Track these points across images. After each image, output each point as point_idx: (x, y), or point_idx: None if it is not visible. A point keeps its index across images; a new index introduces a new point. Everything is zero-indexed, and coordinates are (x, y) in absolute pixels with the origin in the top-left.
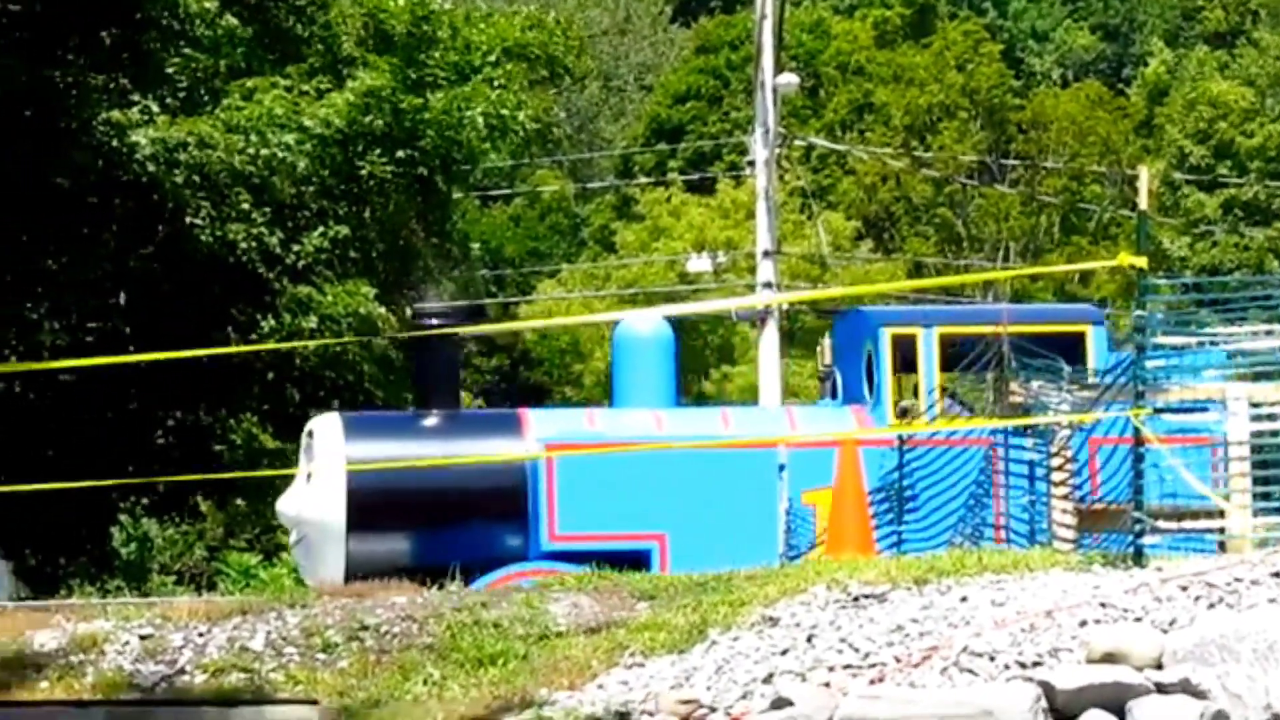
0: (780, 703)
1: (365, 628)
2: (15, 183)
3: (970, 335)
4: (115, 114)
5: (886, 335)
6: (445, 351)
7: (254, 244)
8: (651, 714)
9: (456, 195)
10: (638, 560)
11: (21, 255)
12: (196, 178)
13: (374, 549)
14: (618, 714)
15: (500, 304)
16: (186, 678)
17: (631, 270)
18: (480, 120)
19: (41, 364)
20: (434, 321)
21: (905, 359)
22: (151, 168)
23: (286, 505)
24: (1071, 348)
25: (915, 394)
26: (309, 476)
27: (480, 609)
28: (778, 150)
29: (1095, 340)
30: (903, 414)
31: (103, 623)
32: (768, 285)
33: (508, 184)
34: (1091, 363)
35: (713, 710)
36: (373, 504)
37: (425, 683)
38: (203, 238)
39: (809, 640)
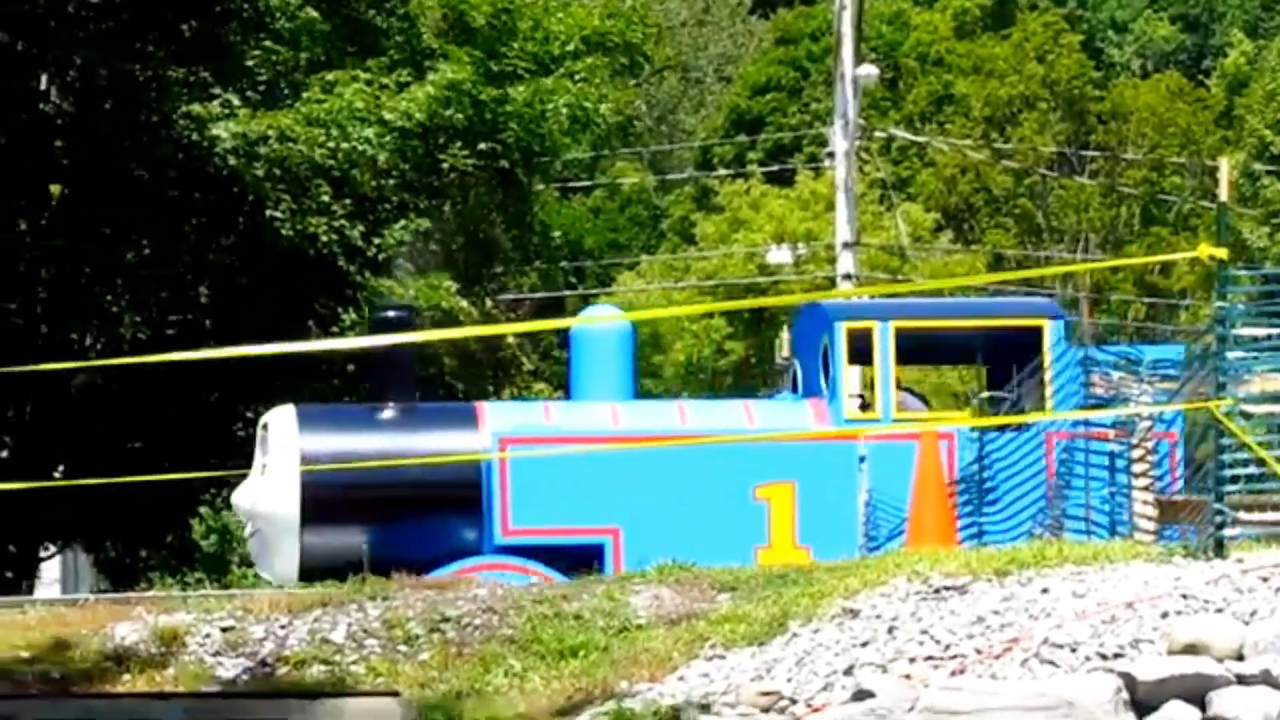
0: (861, 694)
1: (446, 619)
2: (97, 176)
3: (926, 329)
4: (196, 107)
5: (842, 329)
6: (404, 345)
7: (335, 237)
8: (732, 706)
9: (537, 187)
10: (591, 554)
11: (103, 248)
12: (277, 171)
13: (328, 542)
14: (699, 706)
15: (580, 296)
16: (268, 670)
17: (711, 262)
18: (563, 113)
19: (116, 359)
20: (390, 315)
21: (861, 352)
22: (232, 161)
23: (241, 498)
24: (1028, 342)
25: (870, 387)
26: (263, 469)
27: (561, 601)
28: (857, 142)
29: (1052, 334)
30: (864, 407)
31: (184, 615)
32: (847, 277)
33: (588, 176)
34: (1048, 357)
35: (793, 702)
36: (327, 497)
37: (506, 675)
38: (283, 231)
39: (890, 632)
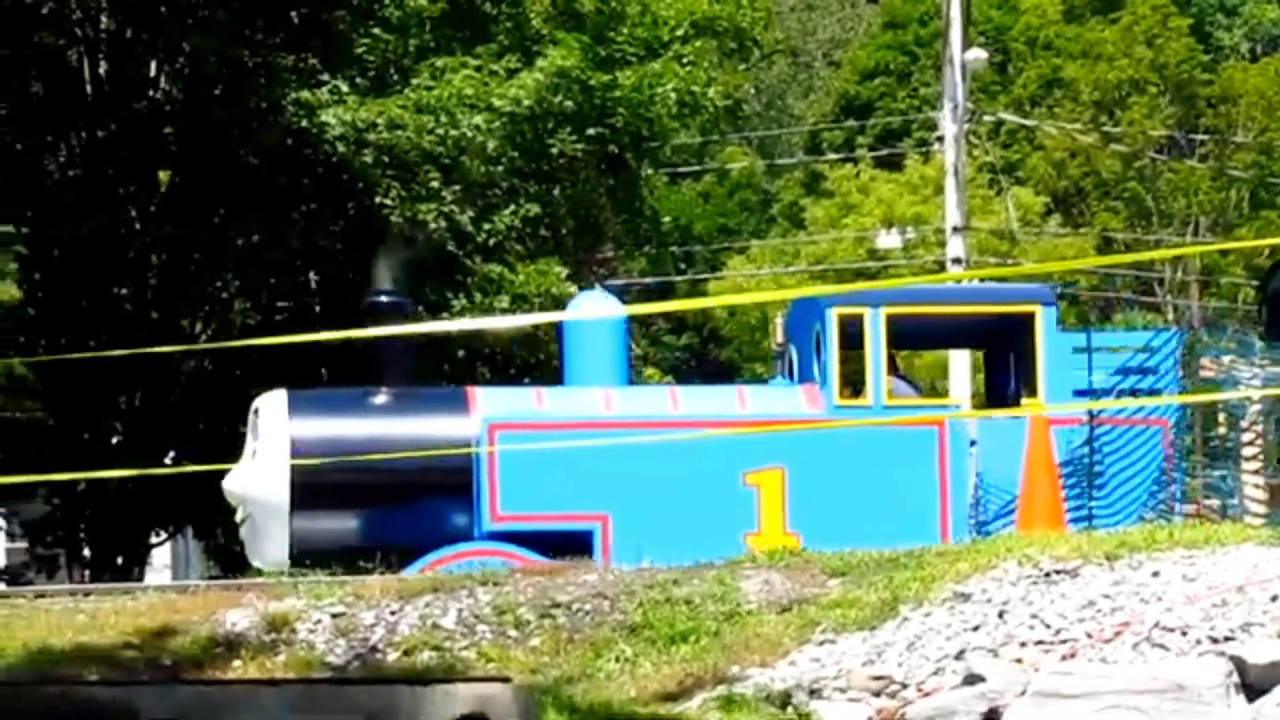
0: (972, 679)
1: (557, 605)
2: (206, 162)
3: (917, 315)
4: (305, 94)
5: (833, 315)
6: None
7: (444, 223)
8: (843, 690)
9: (646, 172)
10: (580, 541)
11: (212, 234)
12: (386, 158)
13: (319, 528)
14: (810, 690)
15: (690, 281)
16: (379, 656)
17: (820, 246)
18: (672, 97)
19: (202, 345)
20: (384, 302)
21: (853, 338)
22: (341, 148)
23: (232, 483)
24: (1021, 328)
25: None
26: (254, 454)
27: (672, 586)
28: (966, 126)
29: (1045, 321)
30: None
31: (294, 601)
32: (957, 261)
33: (697, 161)
34: (1040, 344)
35: (904, 686)
36: (317, 482)
37: (617, 660)
38: (393, 217)
39: (1000, 616)
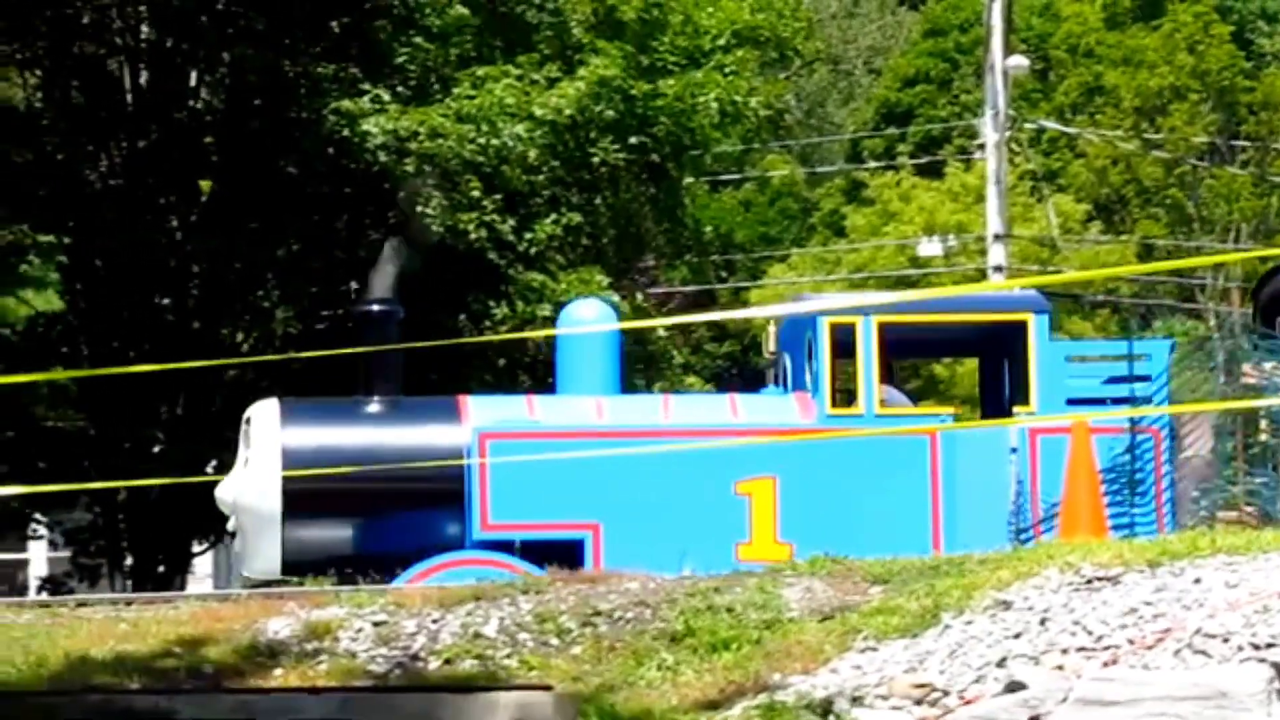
0: (1014, 686)
1: (598, 613)
2: (247, 172)
3: (910, 324)
4: (346, 103)
5: (824, 324)
6: (388, 335)
7: (485, 231)
8: (885, 698)
9: (687, 181)
10: (571, 550)
11: (253, 244)
12: (427, 167)
13: (311, 537)
14: (852, 698)
15: (731, 289)
16: (420, 664)
17: (862, 254)
18: (713, 106)
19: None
20: (375, 310)
21: (845, 347)
22: (383, 157)
23: (224, 492)
24: (1013, 336)
25: (853, 383)
26: (246, 463)
27: (714, 594)
28: (1007, 133)
29: (1037, 329)
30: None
31: (336, 610)
32: (998, 269)
33: (738, 169)
34: (1033, 352)
35: (946, 694)
36: (309, 491)
37: (659, 668)
38: (434, 226)
39: (1042, 623)
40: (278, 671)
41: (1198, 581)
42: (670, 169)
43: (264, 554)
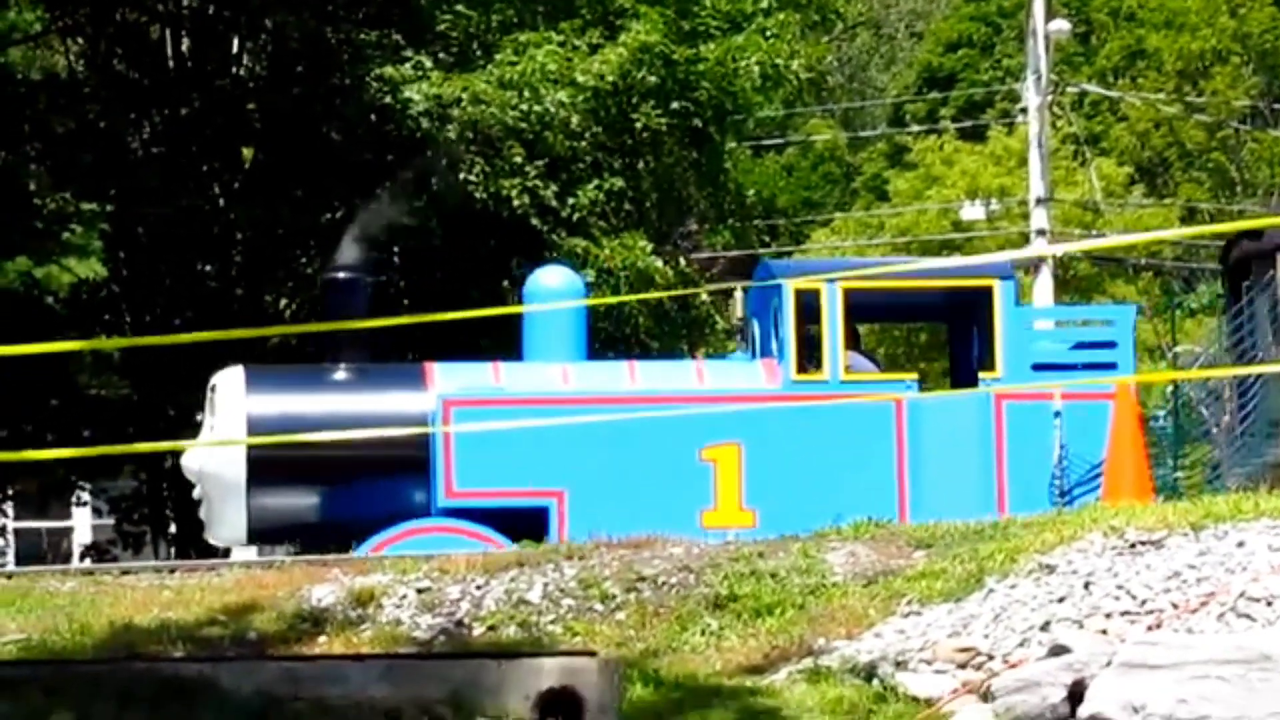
0: (1058, 650)
1: (642, 579)
2: (289, 139)
3: (875, 290)
4: (388, 70)
5: (789, 289)
6: (354, 303)
7: (528, 197)
8: (929, 662)
9: (730, 145)
10: (535, 517)
11: (295, 211)
12: (469, 133)
13: (276, 505)
14: (896, 662)
15: (774, 254)
16: (464, 630)
17: (904, 218)
18: (755, 70)
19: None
20: (341, 277)
21: (810, 312)
22: (425, 124)
23: (189, 460)
24: (979, 303)
25: (818, 348)
26: (211, 430)
27: (757, 559)
28: (1049, 97)
29: (1003, 295)
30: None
31: (380, 576)
32: (1041, 233)
33: (780, 134)
34: (999, 318)
35: (990, 658)
36: (273, 459)
37: (703, 633)
38: (476, 193)
39: (1086, 587)
40: (322, 639)
41: (1241, 545)
42: (712, 133)
43: (229, 521)
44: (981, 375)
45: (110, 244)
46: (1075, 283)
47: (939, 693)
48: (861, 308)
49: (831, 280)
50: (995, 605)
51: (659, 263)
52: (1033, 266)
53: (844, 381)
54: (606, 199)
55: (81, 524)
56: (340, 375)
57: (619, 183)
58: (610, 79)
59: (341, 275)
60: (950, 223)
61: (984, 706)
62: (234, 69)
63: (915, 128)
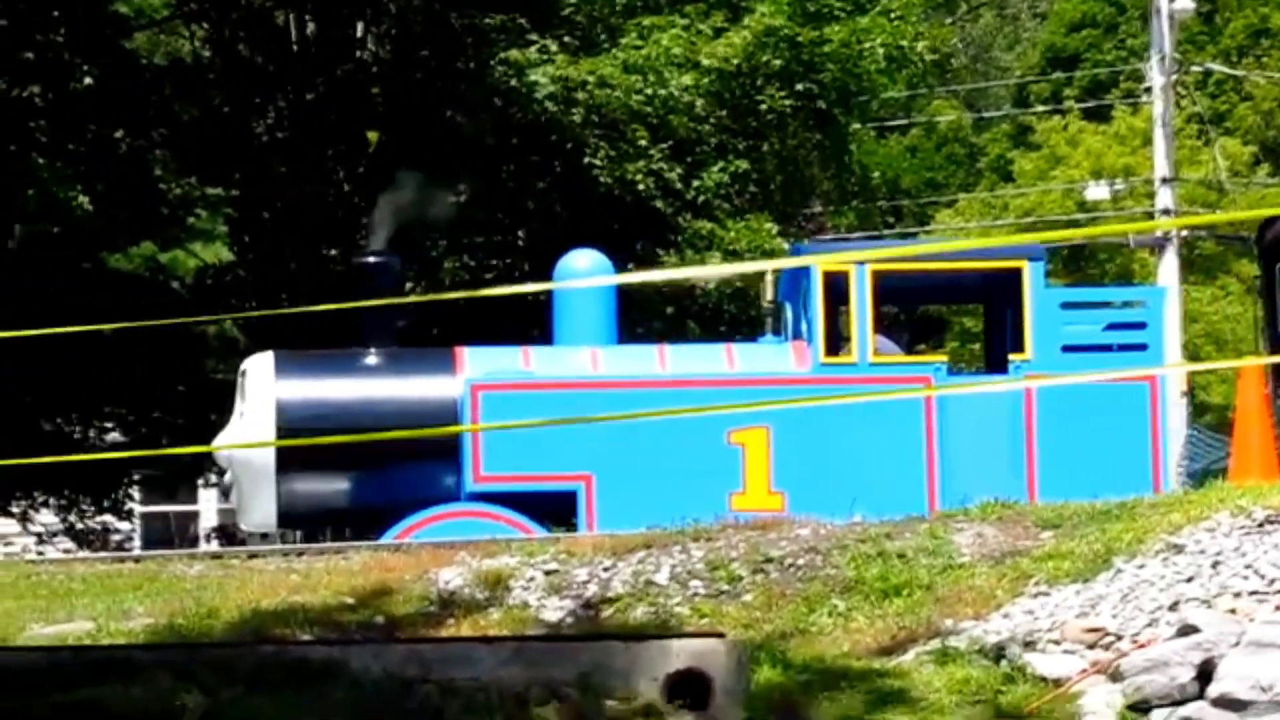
0: (1186, 630)
1: (769, 560)
2: (414, 123)
3: (904, 272)
4: (513, 53)
5: (819, 272)
6: (384, 288)
7: (653, 180)
8: (1057, 643)
9: (854, 127)
10: (564, 501)
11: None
12: (594, 117)
13: (305, 490)
14: (1024, 643)
15: (899, 235)
16: (592, 612)
17: (1029, 198)
18: (879, 52)
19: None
20: (370, 260)
21: (840, 295)
22: (550, 107)
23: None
24: (1008, 284)
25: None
26: (241, 415)
27: (884, 540)
28: (1174, 76)
29: (1033, 276)
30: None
31: (507, 559)
32: (1166, 212)
33: (904, 114)
34: (1028, 299)
35: (1118, 638)
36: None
37: (830, 615)
38: (601, 178)
39: (1214, 567)
40: (449, 621)
41: None
42: (837, 115)
43: (259, 507)
44: (1012, 357)
45: (235, 228)
46: (1200, 262)
47: (1067, 673)
48: (893, 290)
49: (860, 262)
50: (1123, 585)
51: (785, 244)
52: (1157, 246)
53: (872, 364)
54: (731, 181)
55: (208, 508)
56: (369, 360)
57: (744, 165)
58: (735, 62)
59: (371, 260)
60: (1075, 203)
61: (1112, 687)
62: (358, 53)
63: (1039, 108)
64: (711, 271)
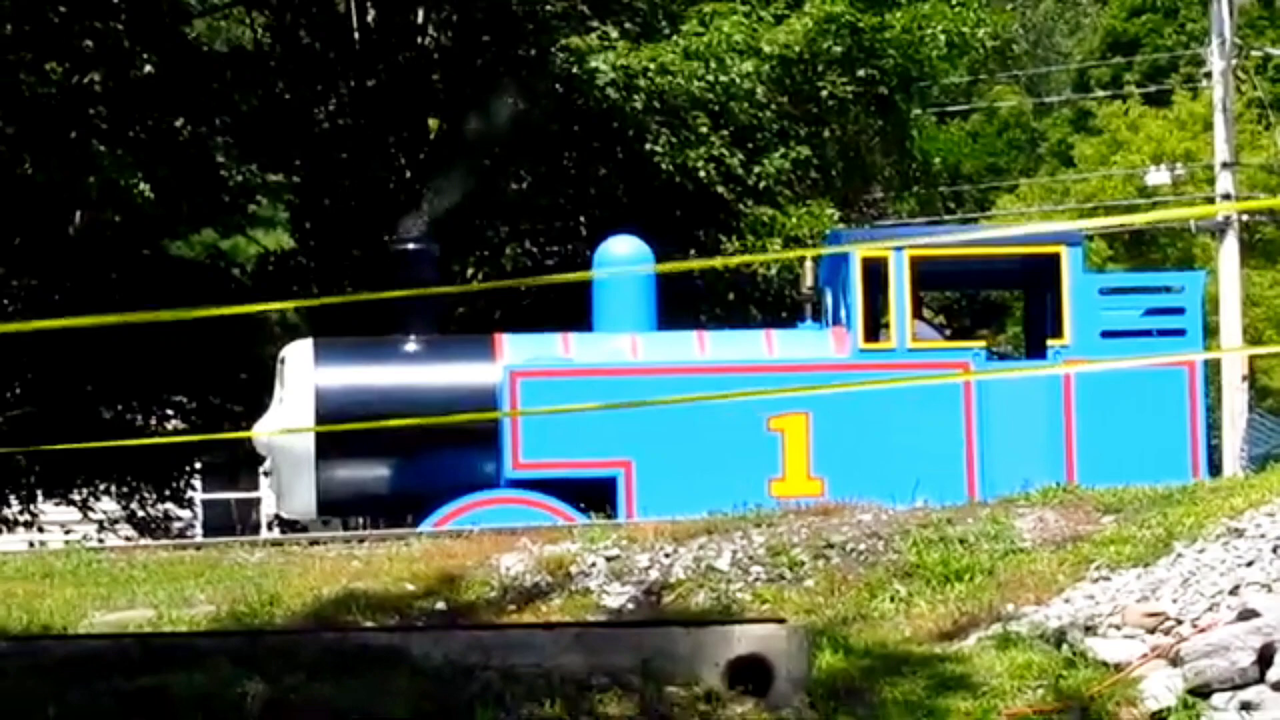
0: (1246, 614)
1: (831, 545)
2: (477, 111)
3: (943, 258)
4: (575, 40)
5: (857, 258)
6: (423, 275)
7: (714, 167)
8: (1118, 627)
9: (915, 113)
10: (603, 488)
11: (485, 180)
12: (656, 104)
13: (345, 476)
14: (1085, 628)
15: (960, 220)
16: (653, 598)
17: (1090, 184)
18: (941, 38)
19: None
20: (409, 248)
21: (878, 281)
22: (611, 94)
23: (259, 433)
24: (1047, 269)
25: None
26: (280, 403)
27: (945, 525)
28: (1234, 61)
29: (1071, 262)
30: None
31: (569, 545)
32: (1226, 197)
33: (966, 100)
34: (1066, 284)
35: (1179, 622)
36: (341, 431)
37: (892, 600)
38: (663, 165)
39: (1275, 551)
40: (511, 607)
41: None
42: (898, 101)
43: (299, 494)
44: (1050, 343)
45: (296, 215)
46: (1261, 246)
47: (1128, 658)
48: (932, 276)
49: (899, 248)
50: (1184, 570)
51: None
52: (1218, 230)
53: (911, 349)
54: (792, 167)
55: (270, 495)
56: (410, 347)
57: (805, 151)
58: (796, 48)
59: (410, 247)
60: (1135, 188)
61: (1173, 671)
62: (419, 40)
63: (1100, 93)
64: (747, 258)
